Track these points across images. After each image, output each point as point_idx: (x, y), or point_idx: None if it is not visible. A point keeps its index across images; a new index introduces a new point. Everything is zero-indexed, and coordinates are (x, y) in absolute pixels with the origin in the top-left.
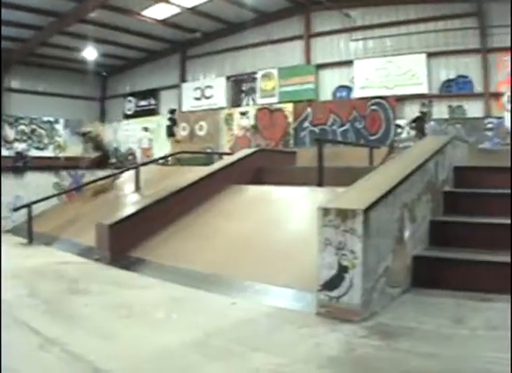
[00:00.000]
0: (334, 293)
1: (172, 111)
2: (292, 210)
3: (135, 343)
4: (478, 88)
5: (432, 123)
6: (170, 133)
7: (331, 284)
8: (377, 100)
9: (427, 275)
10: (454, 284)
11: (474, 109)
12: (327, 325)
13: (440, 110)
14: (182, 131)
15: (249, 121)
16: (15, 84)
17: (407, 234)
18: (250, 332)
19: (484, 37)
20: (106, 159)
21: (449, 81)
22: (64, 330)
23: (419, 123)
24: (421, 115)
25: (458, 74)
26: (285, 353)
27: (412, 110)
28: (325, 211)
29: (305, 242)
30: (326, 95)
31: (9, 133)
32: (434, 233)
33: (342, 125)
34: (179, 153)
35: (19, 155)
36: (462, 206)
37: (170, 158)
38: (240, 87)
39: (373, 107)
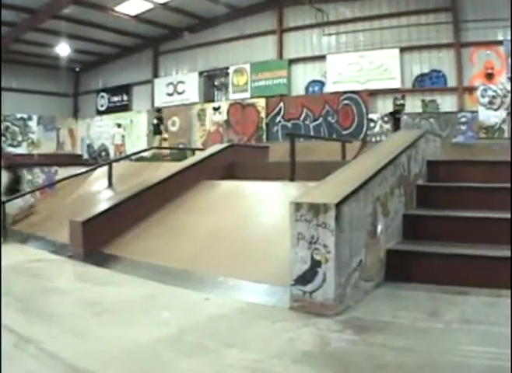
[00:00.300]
0: (308, 287)
1: (158, 110)
2: (265, 205)
3: (109, 340)
4: (451, 82)
5: (405, 117)
6: (157, 131)
7: (305, 279)
8: (350, 95)
9: (401, 269)
10: (428, 277)
11: (447, 103)
12: (300, 319)
13: (413, 104)
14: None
15: (221, 116)
16: None
17: (380, 228)
18: (224, 327)
19: (457, 32)
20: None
21: (422, 75)
22: (38, 328)
23: (394, 117)
24: (397, 109)
25: (432, 69)
26: (260, 348)
27: (385, 105)
28: (297, 206)
29: (278, 236)
30: (298, 89)
31: None
32: (407, 227)
33: (315, 120)
34: (151, 149)
35: None
36: (435, 199)
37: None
38: (212, 82)
39: (346, 102)
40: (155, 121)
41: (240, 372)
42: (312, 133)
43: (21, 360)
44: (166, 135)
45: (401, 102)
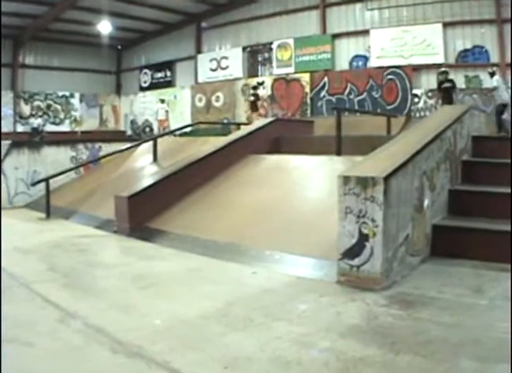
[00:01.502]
0: (355, 261)
1: (255, 87)
2: (311, 179)
3: (155, 314)
4: (493, 58)
5: None
6: (255, 108)
7: (352, 253)
8: (394, 70)
9: (446, 244)
10: (473, 253)
11: (490, 79)
12: (347, 294)
13: (456, 80)
14: (198, 102)
15: (266, 91)
16: (29, 60)
17: (426, 202)
18: (272, 301)
19: (499, 7)
20: None
21: (465, 51)
22: (84, 303)
23: (446, 91)
24: (450, 83)
25: (474, 45)
26: (307, 322)
27: (429, 80)
28: (345, 179)
29: (325, 210)
30: (342, 64)
31: (25, 109)
32: (453, 202)
33: (359, 94)
34: (196, 124)
35: (35, 131)
36: (481, 175)
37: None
38: (256, 57)
39: (390, 77)
40: (251, 98)
41: (287, 345)
42: (356, 108)
43: (66, 335)
44: (262, 111)
45: (444, 69)
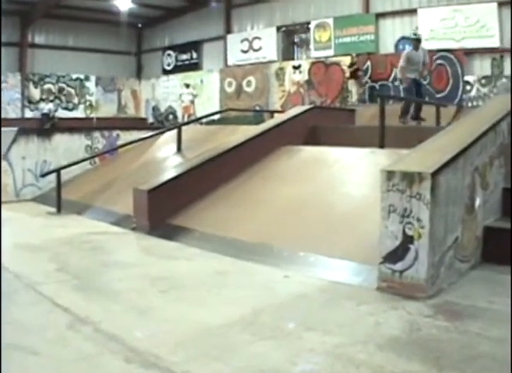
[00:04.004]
0: (398, 266)
1: (352, 64)
2: (351, 173)
3: (175, 321)
4: None
5: (504, 80)
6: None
7: (395, 256)
8: (444, 54)
9: (499, 249)
10: None
11: None
12: (388, 301)
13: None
14: (227, 87)
15: (302, 76)
16: (39, 39)
17: (478, 202)
18: (304, 308)
19: None
20: None
21: None
22: (96, 307)
23: None
24: None
25: None
26: (343, 332)
27: (482, 66)
28: (389, 174)
29: (365, 209)
30: (387, 47)
31: (34, 93)
32: (507, 202)
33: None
34: (225, 110)
35: (46, 117)
36: None
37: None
38: (291, 38)
39: (439, 61)
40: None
41: (320, 358)
42: (402, 95)
43: (75, 343)
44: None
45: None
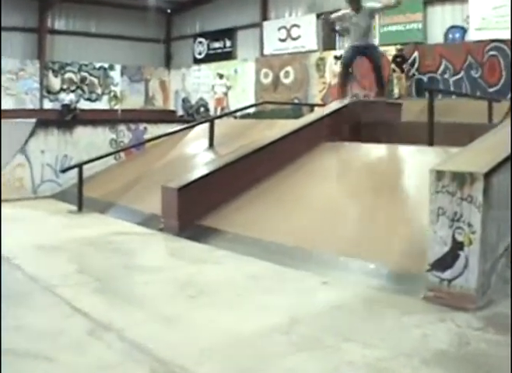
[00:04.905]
0: (446, 274)
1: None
2: (397, 173)
3: (203, 329)
4: None
5: None
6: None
7: (443, 263)
8: (497, 44)
9: None
10: None
11: None
12: (435, 312)
13: None
14: (264, 79)
15: None
16: (59, 25)
17: None
18: (344, 318)
19: None
20: None
21: None
22: (119, 313)
23: None
24: None
25: None
26: (386, 344)
27: None
28: (439, 174)
29: (412, 211)
30: (436, 37)
31: (54, 82)
32: None
33: (455, 73)
34: (261, 103)
35: (66, 108)
36: None
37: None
38: (333, 26)
39: (492, 53)
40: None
41: (360, 372)
42: (452, 89)
43: (96, 350)
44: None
45: None
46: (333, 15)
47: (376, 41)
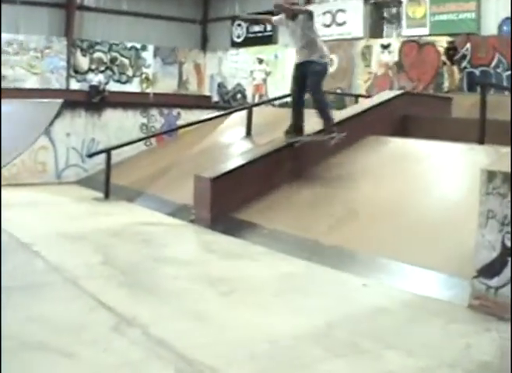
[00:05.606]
0: (494, 282)
1: (450, 49)
2: (445, 172)
3: (235, 329)
4: None
5: None
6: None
7: (491, 270)
8: None
9: None
10: None
11: None
12: (481, 322)
13: None
14: None
15: (392, 57)
16: (88, 1)
17: None
18: (384, 323)
19: None
20: None
21: None
22: (146, 308)
23: None
24: None
25: None
26: (428, 353)
27: None
28: (490, 175)
29: (460, 213)
30: (489, 28)
31: (82, 61)
32: None
33: (509, 68)
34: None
35: (95, 89)
36: None
37: None
38: (380, 13)
39: None
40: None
41: None
42: (505, 84)
43: (119, 346)
44: None
45: None
46: None
47: (426, 31)
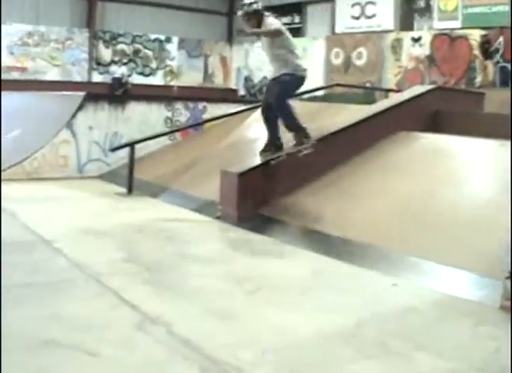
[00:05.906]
0: None
1: (485, 43)
2: (477, 169)
3: (261, 328)
4: None
5: None
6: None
7: None
8: None
9: None
10: None
11: None
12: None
13: None
14: (334, 59)
15: (423, 50)
16: None
17: None
18: (414, 324)
19: None
20: None
21: None
22: (170, 306)
23: None
24: None
25: None
26: (458, 355)
27: None
28: None
29: (492, 212)
30: None
31: (104, 53)
32: None
33: None
34: (332, 86)
35: (118, 82)
36: None
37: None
38: (411, 5)
39: None
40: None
41: None
42: None
43: (143, 345)
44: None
45: None
46: None
47: (457, 24)
